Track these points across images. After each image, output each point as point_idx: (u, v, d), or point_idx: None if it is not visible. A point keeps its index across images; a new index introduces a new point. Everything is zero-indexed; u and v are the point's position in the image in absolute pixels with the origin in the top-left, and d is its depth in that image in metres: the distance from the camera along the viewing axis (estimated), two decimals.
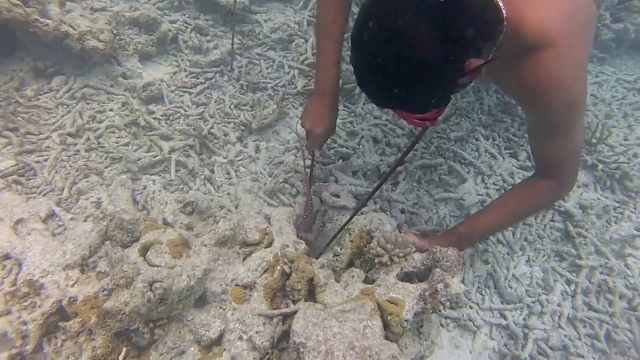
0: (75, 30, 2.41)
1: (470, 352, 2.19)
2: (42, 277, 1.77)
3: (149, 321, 1.63)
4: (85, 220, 2.05)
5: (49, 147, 2.34)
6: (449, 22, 1.15)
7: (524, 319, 2.29)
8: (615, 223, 2.67)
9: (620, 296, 2.40)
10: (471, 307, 2.29)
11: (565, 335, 2.27)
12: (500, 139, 2.88)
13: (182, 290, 1.61)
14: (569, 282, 2.44)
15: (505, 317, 2.28)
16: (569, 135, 1.71)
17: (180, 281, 1.61)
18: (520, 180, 2.54)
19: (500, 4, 1.33)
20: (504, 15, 1.34)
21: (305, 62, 2.91)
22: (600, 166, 2.78)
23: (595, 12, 1.60)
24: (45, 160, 2.29)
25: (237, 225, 1.89)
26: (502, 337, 2.25)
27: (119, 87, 2.60)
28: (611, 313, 2.35)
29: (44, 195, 2.17)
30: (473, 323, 2.25)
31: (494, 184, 2.67)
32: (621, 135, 3.02)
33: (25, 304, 1.73)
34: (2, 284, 1.83)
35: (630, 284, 2.46)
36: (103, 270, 1.88)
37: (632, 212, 2.72)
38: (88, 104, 2.54)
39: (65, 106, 2.50)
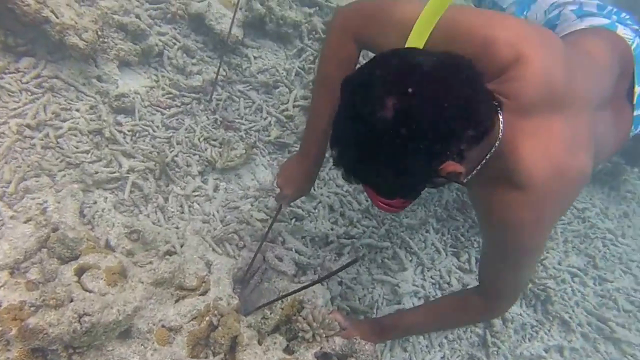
0: (57, 18, 2.38)
1: None
2: None
3: (69, 347, 1.70)
4: (26, 222, 2.07)
5: (4, 133, 2.31)
6: (430, 119, 1.16)
7: None
8: (529, 341, 2.91)
9: None
10: None
11: None
12: (449, 236, 3.09)
13: (110, 324, 1.69)
14: None
15: None
16: (513, 272, 1.78)
17: (109, 314, 1.69)
18: (456, 282, 2.77)
19: (500, 125, 1.39)
20: (499, 136, 1.39)
21: (285, 112, 3.03)
22: (530, 285, 3.02)
23: (587, 180, 1.60)
24: None
25: (178, 269, 2.00)
26: None
27: (91, 87, 2.61)
28: None
29: None
30: None
31: (431, 277, 2.86)
32: (556, 259, 3.28)
33: None
34: None
35: None
36: (33, 279, 1.92)
37: (545, 333, 2.98)
38: (54, 97, 2.53)
39: (29, 93, 2.47)
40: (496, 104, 1.40)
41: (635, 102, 2.02)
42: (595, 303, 3.23)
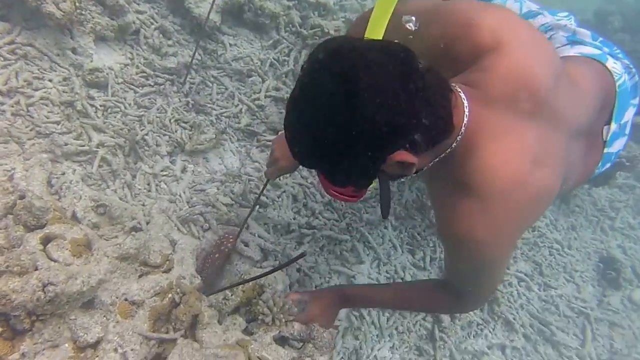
0: None
1: None
2: None
3: (32, 314, 1.70)
4: None
5: None
6: (389, 103, 1.11)
7: None
8: (474, 337, 3.01)
9: None
10: None
11: None
12: (406, 234, 3.16)
13: (73, 294, 1.70)
14: None
15: None
16: (473, 276, 1.73)
17: (73, 285, 1.69)
18: (409, 278, 2.84)
19: (465, 118, 1.34)
20: (460, 132, 1.34)
21: (256, 102, 3.04)
22: None
23: (551, 198, 1.54)
24: None
25: (143, 246, 2.01)
26: None
27: (65, 59, 2.58)
28: None
29: None
30: None
31: (386, 272, 2.93)
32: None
33: None
34: None
35: None
36: None
37: (489, 332, 3.09)
38: (27, 65, 2.49)
39: (2, 58, 2.42)
40: (461, 93, 1.36)
41: (608, 139, 1.95)
42: (538, 307, 3.36)
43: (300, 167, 2.89)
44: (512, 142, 1.38)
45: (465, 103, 1.36)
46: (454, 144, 1.37)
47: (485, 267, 1.62)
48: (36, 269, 1.68)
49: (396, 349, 2.75)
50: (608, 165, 2.03)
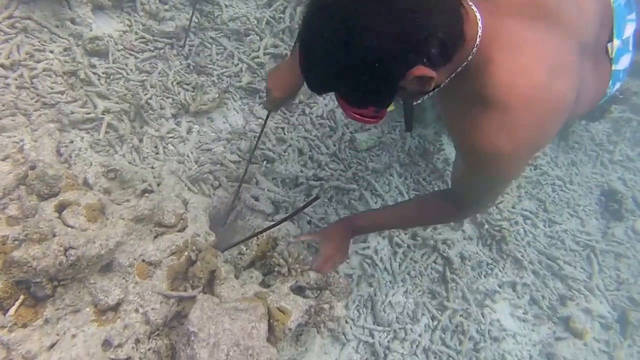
0: None
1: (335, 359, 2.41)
2: None
3: (54, 279, 1.69)
4: (3, 160, 2.03)
5: None
6: (402, 18, 1.09)
7: (387, 341, 2.55)
8: (484, 277, 3.00)
9: (469, 338, 2.73)
10: (347, 322, 2.50)
11: None
12: (411, 180, 3.13)
13: (92, 257, 1.68)
14: (433, 317, 2.73)
15: (372, 336, 2.52)
16: (489, 190, 1.74)
17: (92, 248, 1.68)
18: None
19: (479, 31, 1.30)
20: (475, 45, 1.30)
21: (256, 60, 2.98)
22: (487, 226, 3.10)
23: (567, 110, 1.47)
24: None
25: (157, 206, 1.98)
26: (365, 353, 2.49)
27: (64, 29, 2.52)
28: (458, 351, 2.68)
29: None
30: (345, 336, 2.46)
31: None
32: (511, 203, 3.37)
33: None
34: None
35: (480, 329, 2.81)
36: (13, 214, 1.89)
37: (500, 270, 3.08)
38: (28, 38, 2.44)
39: (2, 33, 2.38)
40: (472, 6, 1.31)
41: (613, 55, 1.84)
42: (545, 243, 3.35)
43: (304, 120, 2.86)
44: (528, 52, 1.33)
45: (478, 15, 1.31)
46: (470, 57, 1.33)
47: (499, 179, 1.61)
48: (54, 236, 1.66)
49: (409, 293, 2.75)
50: (618, 85, 1.95)
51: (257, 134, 2.55)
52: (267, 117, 2.29)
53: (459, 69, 1.35)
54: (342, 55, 1.15)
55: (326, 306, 1.95)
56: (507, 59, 1.31)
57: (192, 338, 1.63)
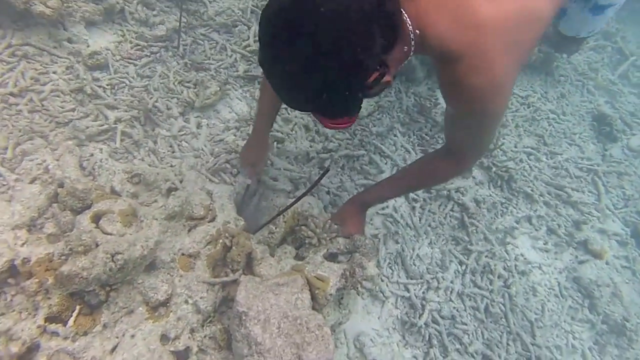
0: None
1: (378, 318, 2.42)
2: None
3: (106, 285, 1.69)
4: (31, 182, 2.01)
5: None
6: (343, 36, 1.11)
7: (423, 293, 2.56)
8: (501, 216, 3.00)
9: (498, 276, 2.74)
10: (382, 280, 2.51)
11: (454, 307, 2.56)
12: (415, 137, 3.12)
13: (137, 259, 1.68)
14: (460, 263, 2.73)
15: (408, 290, 2.53)
16: (476, 131, 1.72)
17: (135, 251, 1.67)
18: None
19: (406, 17, 1.32)
20: (410, 28, 1.33)
21: (247, 48, 2.95)
22: (494, 168, 3.09)
23: (539, 14, 1.44)
24: None
25: (185, 202, 1.97)
26: (404, 307, 2.50)
27: (62, 49, 2.49)
28: (490, 290, 2.68)
29: None
30: (382, 294, 2.47)
31: None
32: (512, 143, 3.36)
33: None
34: None
35: (507, 266, 2.81)
36: (51, 232, 1.87)
37: (514, 207, 3.08)
38: (29, 63, 2.41)
39: (5, 63, 2.35)
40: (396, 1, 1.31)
41: None
42: (550, 174, 3.35)
43: None
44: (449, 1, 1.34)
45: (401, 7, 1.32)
46: (412, 42, 1.37)
47: (490, 115, 1.59)
48: (97, 245, 1.65)
49: (434, 243, 2.75)
50: None
51: None
52: (247, 188, 2.38)
53: (412, 48, 1.39)
54: (307, 87, 1.22)
55: (358, 268, 1.95)
56: (433, 21, 1.34)
57: (244, 317, 1.63)
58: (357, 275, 1.92)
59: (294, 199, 2.07)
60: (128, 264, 1.63)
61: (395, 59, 1.34)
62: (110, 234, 1.75)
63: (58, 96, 2.36)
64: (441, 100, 3.25)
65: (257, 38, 2.90)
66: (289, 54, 1.15)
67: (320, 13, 1.09)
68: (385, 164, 2.89)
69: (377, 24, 1.17)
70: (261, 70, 2.80)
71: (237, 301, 1.68)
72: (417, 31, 1.35)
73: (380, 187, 2.20)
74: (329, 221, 2.14)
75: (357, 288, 1.92)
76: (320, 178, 1.76)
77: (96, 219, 1.81)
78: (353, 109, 1.36)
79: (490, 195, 3.05)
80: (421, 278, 2.59)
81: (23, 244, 1.80)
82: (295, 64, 1.15)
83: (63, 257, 1.68)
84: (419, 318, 2.43)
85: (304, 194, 1.94)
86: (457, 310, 2.56)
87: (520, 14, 1.36)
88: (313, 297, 1.84)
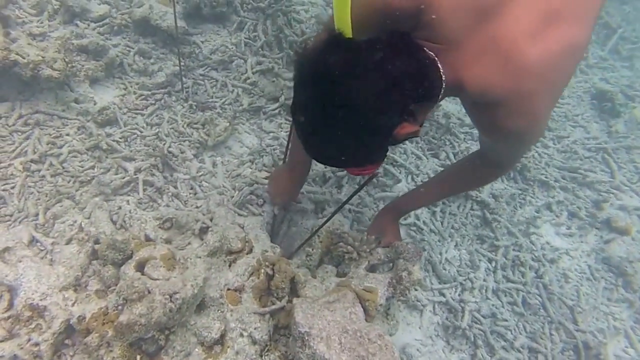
0: (24, 58, 2.38)
1: (419, 327, 2.48)
2: (41, 300, 1.81)
3: (165, 329, 1.76)
4: (68, 243, 2.08)
5: (12, 174, 2.30)
6: (378, 102, 1.17)
7: (459, 295, 2.63)
8: (520, 207, 3.10)
9: (529, 268, 2.81)
10: (416, 290, 2.57)
11: (492, 305, 2.63)
12: (422, 142, 3.22)
13: (190, 298, 1.75)
14: (490, 260, 2.82)
15: (444, 295, 2.59)
16: (513, 155, 1.82)
17: (187, 290, 1.74)
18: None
19: (440, 67, 1.32)
20: (443, 78, 1.33)
21: (247, 81, 3.05)
22: None
23: (575, 51, 1.39)
24: (12, 188, 2.26)
25: (222, 237, 2.05)
26: (443, 312, 2.56)
27: (71, 111, 2.58)
28: (524, 282, 2.76)
29: (19, 222, 2.17)
30: (419, 303, 2.53)
31: (421, 181, 2.99)
32: None
33: (32, 326, 1.78)
34: None
35: (535, 257, 2.89)
36: (95, 289, 1.94)
37: (531, 197, 3.18)
38: (42, 129, 2.50)
39: (20, 133, 2.45)
40: (431, 53, 1.33)
41: None
42: (561, 159, 3.46)
43: None
44: (488, 51, 1.31)
45: (433, 54, 1.34)
46: (440, 94, 1.37)
47: (530, 143, 1.73)
48: (149, 292, 1.72)
49: (460, 245, 2.83)
50: None
51: (272, 146, 2.66)
52: (275, 215, 2.44)
53: (434, 107, 1.44)
54: (340, 149, 1.29)
55: (404, 273, 2.03)
56: (472, 71, 1.33)
57: (306, 338, 1.70)
58: (404, 282, 2.00)
59: (323, 219, 2.16)
60: (185, 303, 1.71)
61: (425, 108, 1.38)
62: (158, 279, 1.82)
63: (75, 156, 2.45)
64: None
65: (254, 70, 3.05)
66: (322, 118, 1.21)
67: (354, 76, 1.15)
68: (400, 173, 2.98)
69: (410, 80, 1.22)
70: (263, 101, 2.95)
71: (297, 322, 1.74)
72: (454, 80, 1.35)
73: (415, 194, 2.24)
74: (366, 234, 2.23)
75: (406, 295, 2.00)
76: (365, 184, 1.83)
77: (140, 267, 1.89)
78: (380, 157, 1.42)
79: (506, 189, 3.14)
80: (454, 281, 2.66)
81: (73, 303, 1.87)
82: (328, 128, 1.22)
83: (119, 308, 1.75)
84: (461, 320, 2.50)
85: (337, 210, 2.03)
86: (495, 308, 2.63)
87: (564, 52, 1.32)
88: (364, 310, 1.92)
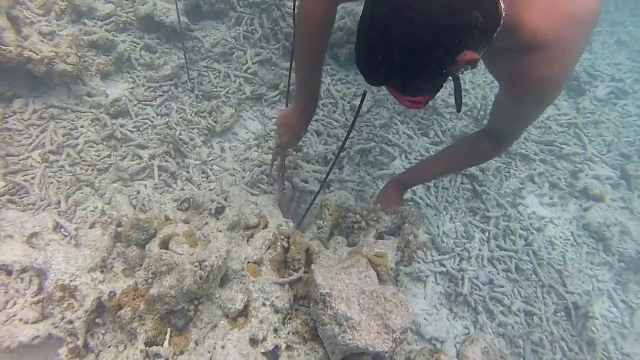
0: (38, 55, 2.28)
1: (424, 298, 2.44)
2: (72, 281, 1.73)
3: (194, 299, 1.69)
4: (91, 228, 2.00)
5: (31, 166, 2.21)
6: (449, 12, 1.09)
7: (458, 265, 2.59)
8: (507, 180, 3.07)
9: (519, 236, 2.79)
10: (419, 262, 2.53)
11: (489, 272, 2.60)
12: (413, 123, 3.18)
13: (216, 268, 1.68)
14: (483, 231, 2.78)
15: (444, 266, 2.56)
16: (528, 120, 1.78)
17: (213, 260, 1.68)
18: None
19: (501, 1, 1.25)
20: (503, 12, 1.26)
21: (248, 71, 2.99)
22: None
23: (597, 17, 1.48)
24: (33, 178, 2.17)
25: (240, 212, 1.99)
26: (445, 282, 2.52)
27: (84, 105, 2.49)
28: (515, 250, 2.73)
29: (43, 210, 2.08)
30: (423, 274, 2.49)
31: (415, 158, 2.95)
32: None
33: (64, 306, 1.70)
34: (24, 295, 1.78)
35: (524, 226, 2.87)
36: (121, 269, 1.87)
37: (515, 170, 3.16)
38: (58, 122, 2.41)
39: (36, 127, 2.36)
40: None
41: None
42: (537, 134, 3.45)
43: None
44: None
45: None
46: (499, 28, 1.30)
47: (547, 105, 1.63)
48: (177, 265, 1.65)
49: (455, 218, 2.80)
50: None
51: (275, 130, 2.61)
52: (283, 156, 2.28)
53: (492, 39, 1.34)
54: (397, 53, 1.15)
55: (411, 237, 1.99)
56: (530, 11, 1.32)
57: (328, 299, 1.65)
58: (412, 245, 1.96)
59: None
60: (213, 271, 1.64)
61: (485, 41, 1.29)
62: (182, 255, 1.75)
63: (92, 146, 2.36)
64: None
65: (253, 61, 2.98)
66: (401, 27, 1.11)
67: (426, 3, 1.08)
68: (394, 151, 2.94)
69: (477, 7, 1.15)
70: (264, 89, 2.88)
71: (319, 285, 1.69)
72: (512, 19, 1.30)
73: (419, 169, 2.20)
74: (372, 204, 2.17)
75: (414, 258, 1.95)
76: (358, 113, 1.70)
77: (164, 245, 1.81)
78: (434, 87, 1.33)
79: (491, 162, 3.10)
80: (453, 252, 2.63)
81: (102, 282, 1.79)
82: (403, 42, 1.12)
83: (149, 282, 1.68)
84: (462, 287, 2.47)
85: (333, 164, 1.95)
86: (492, 275, 2.60)
87: (591, 15, 1.42)
88: (377, 274, 1.87)
